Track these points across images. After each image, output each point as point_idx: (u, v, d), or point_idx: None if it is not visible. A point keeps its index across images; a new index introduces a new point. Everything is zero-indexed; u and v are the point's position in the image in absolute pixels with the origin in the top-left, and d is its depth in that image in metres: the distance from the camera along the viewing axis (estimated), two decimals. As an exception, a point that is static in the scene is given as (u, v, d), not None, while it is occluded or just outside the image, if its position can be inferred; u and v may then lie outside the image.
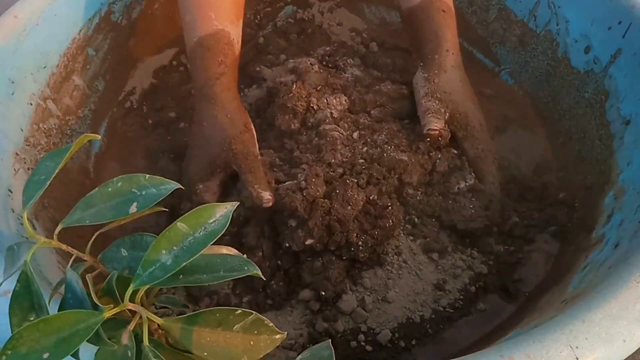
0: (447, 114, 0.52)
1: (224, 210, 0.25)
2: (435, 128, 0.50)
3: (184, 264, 0.23)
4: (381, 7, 0.74)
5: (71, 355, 0.23)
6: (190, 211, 0.25)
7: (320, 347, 0.27)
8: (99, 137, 0.33)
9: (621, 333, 0.28)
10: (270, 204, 0.46)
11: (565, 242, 0.49)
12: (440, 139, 0.51)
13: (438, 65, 0.53)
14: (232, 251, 0.39)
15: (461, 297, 0.46)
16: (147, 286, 0.23)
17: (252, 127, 0.51)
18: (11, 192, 0.43)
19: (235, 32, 0.54)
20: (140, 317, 0.24)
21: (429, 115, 0.51)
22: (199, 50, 0.52)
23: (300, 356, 0.27)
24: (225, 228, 0.25)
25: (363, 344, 0.44)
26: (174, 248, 0.24)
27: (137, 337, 0.24)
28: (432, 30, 0.54)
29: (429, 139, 0.51)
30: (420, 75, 0.54)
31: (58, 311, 0.25)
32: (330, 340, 0.28)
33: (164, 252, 0.24)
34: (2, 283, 0.28)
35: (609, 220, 0.43)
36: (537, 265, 0.49)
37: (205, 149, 0.50)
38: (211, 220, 0.25)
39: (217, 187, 0.50)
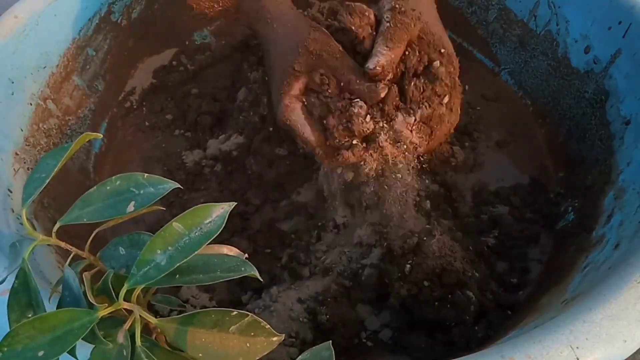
0: (414, 33, 0.44)
1: (220, 211, 0.25)
2: (376, 65, 0.42)
3: (178, 264, 0.23)
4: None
5: (68, 353, 0.23)
6: (186, 211, 0.25)
7: (320, 347, 0.27)
8: (100, 135, 0.33)
9: (622, 333, 0.28)
10: (384, 92, 0.42)
11: (565, 242, 0.49)
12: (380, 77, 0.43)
13: None
14: (233, 250, 0.39)
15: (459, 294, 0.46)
16: (142, 286, 0.23)
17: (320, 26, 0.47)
18: (11, 192, 0.43)
19: None
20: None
21: (383, 41, 0.43)
22: None
23: (300, 356, 0.27)
24: (221, 228, 0.24)
25: (364, 340, 0.44)
26: (169, 248, 0.24)
27: (133, 336, 0.24)
28: None
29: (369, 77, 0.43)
30: None
31: (56, 309, 0.25)
32: (330, 341, 0.27)
33: (158, 252, 0.24)
34: (5, 279, 0.28)
35: (609, 220, 0.43)
36: (535, 265, 0.49)
37: (280, 64, 0.45)
38: (207, 221, 0.25)
39: (300, 97, 0.45)
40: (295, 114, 0.45)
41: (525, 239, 0.50)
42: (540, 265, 0.49)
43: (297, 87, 0.45)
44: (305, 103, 0.45)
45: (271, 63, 0.47)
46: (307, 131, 0.45)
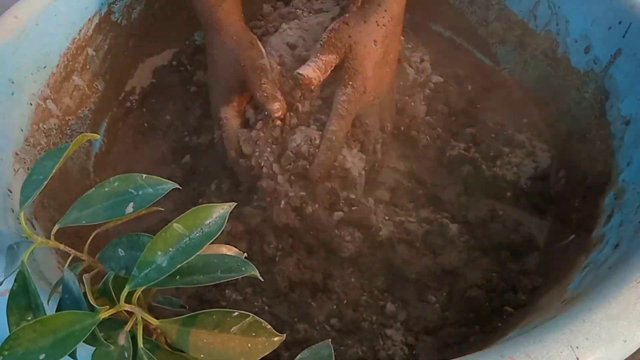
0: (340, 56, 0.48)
1: (220, 211, 0.25)
2: (310, 75, 0.46)
3: (180, 265, 0.23)
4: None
5: (69, 356, 0.23)
6: (187, 212, 0.25)
7: (319, 346, 0.27)
8: (98, 136, 0.33)
9: (622, 333, 0.28)
10: (280, 112, 0.48)
11: (565, 242, 0.49)
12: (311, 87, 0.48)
13: (362, 14, 0.49)
14: (232, 250, 0.39)
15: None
16: (143, 287, 0.23)
17: (259, 43, 0.53)
18: (11, 192, 0.43)
19: None
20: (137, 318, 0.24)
21: (316, 55, 0.48)
22: None
23: (299, 355, 0.27)
24: (222, 229, 0.24)
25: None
26: (170, 249, 0.24)
27: (135, 338, 0.24)
28: None
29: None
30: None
31: (56, 311, 0.25)
32: (330, 340, 0.27)
33: (159, 253, 0.24)
34: (2, 282, 0.28)
35: (609, 220, 0.43)
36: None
37: (219, 74, 0.53)
38: (207, 222, 0.25)
39: (238, 110, 0.52)
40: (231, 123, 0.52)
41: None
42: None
43: (235, 100, 0.52)
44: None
45: (216, 71, 0.53)
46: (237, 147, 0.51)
